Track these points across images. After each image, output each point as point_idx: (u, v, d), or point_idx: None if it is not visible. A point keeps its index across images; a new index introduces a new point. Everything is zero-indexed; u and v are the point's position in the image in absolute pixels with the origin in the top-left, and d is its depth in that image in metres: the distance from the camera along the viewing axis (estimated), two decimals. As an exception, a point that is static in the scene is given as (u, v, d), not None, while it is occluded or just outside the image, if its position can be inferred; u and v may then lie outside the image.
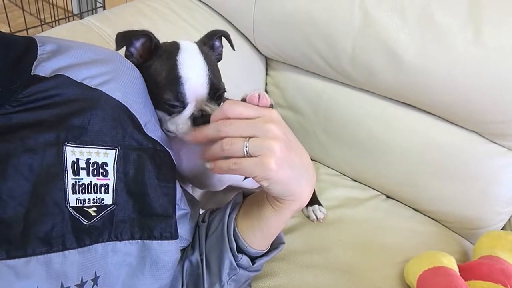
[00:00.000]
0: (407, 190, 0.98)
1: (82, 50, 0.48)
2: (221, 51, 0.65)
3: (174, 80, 0.53)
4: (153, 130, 0.52)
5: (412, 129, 0.94)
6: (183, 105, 0.54)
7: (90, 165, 0.45)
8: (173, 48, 0.56)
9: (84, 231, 0.44)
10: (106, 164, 0.46)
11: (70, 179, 0.43)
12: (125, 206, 0.47)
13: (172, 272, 0.54)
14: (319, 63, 0.95)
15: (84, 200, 0.44)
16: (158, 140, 0.52)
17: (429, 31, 0.83)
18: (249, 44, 1.04)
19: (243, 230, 0.56)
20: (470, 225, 0.94)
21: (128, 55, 0.57)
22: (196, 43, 0.60)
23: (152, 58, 0.56)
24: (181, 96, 0.53)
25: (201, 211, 0.67)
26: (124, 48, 0.57)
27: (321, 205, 0.92)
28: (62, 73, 0.45)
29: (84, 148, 0.44)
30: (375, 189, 1.03)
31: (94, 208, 0.45)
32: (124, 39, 0.55)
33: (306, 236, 0.86)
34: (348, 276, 0.77)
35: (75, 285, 0.42)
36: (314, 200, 0.92)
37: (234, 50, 0.65)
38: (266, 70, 1.09)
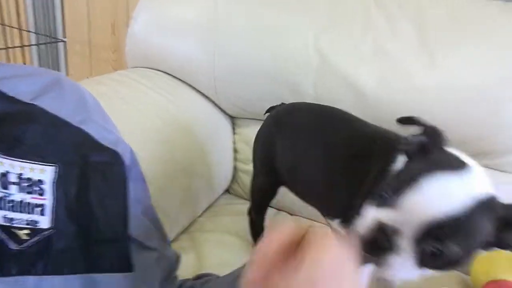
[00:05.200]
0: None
1: (16, 66, 0.44)
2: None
3: (403, 182, 0.46)
4: (104, 137, 0.45)
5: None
6: (383, 203, 0.46)
7: (22, 181, 0.38)
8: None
9: (11, 257, 0.35)
10: (43, 182, 0.39)
11: None
12: (66, 232, 0.40)
13: None
14: (286, 111, 0.95)
15: (13, 219, 0.36)
16: (112, 147, 0.45)
17: (385, 63, 0.86)
18: (213, 106, 1.04)
19: None
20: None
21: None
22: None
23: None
24: (385, 191, 0.46)
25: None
26: None
27: None
28: None
29: (15, 162, 0.38)
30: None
31: (26, 231, 0.37)
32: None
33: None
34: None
35: None
36: None
37: None
38: (233, 129, 1.07)
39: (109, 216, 0.43)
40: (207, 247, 0.83)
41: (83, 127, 0.44)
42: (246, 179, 1.04)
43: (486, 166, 0.84)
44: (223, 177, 1.04)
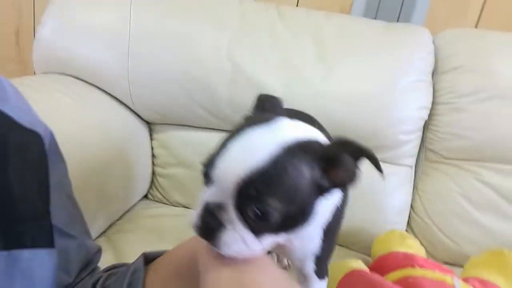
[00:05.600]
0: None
1: None
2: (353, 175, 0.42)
3: (210, 157, 0.42)
4: (23, 118, 0.45)
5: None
6: (206, 184, 0.42)
7: None
8: (245, 123, 0.43)
9: None
10: None
11: None
12: None
13: None
14: (202, 115, 1.00)
15: None
16: (32, 128, 0.45)
17: (290, 71, 0.97)
18: (129, 111, 1.04)
19: None
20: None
21: None
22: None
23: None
24: (205, 170, 0.42)
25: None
26: None
27: None
28: None
29: None
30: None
31: None
32: None
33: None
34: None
35: None
36: None
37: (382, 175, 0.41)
38: (151, 136, 1.09)
39: (30, 195, 0.43)
40: (127, 246, 0.84)
41: (1, 107, 0.44)
42: (165, 184, 1.06)
43: (381, 160, 0.99)
44: (142, 181, 1.05)
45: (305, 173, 0.39)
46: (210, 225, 0.38)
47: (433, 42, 1.05)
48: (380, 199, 1.02)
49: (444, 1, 1.16)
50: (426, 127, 1.05)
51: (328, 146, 0.42)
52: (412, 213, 1.05)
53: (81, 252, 0.51)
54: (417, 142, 1.05)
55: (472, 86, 0.99)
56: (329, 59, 0.98)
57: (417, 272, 0.69)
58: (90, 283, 0.50)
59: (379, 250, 0.83)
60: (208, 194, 0.39)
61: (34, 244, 0.42)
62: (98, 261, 0.56)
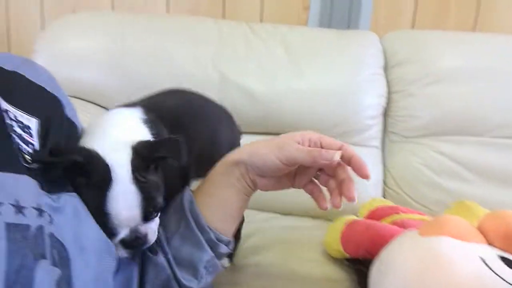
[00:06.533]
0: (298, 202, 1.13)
1: None
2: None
3: (103, 216, 0.48)
4: (72, 115, 0.55)
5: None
6: (115, 234, 0.50)
7: (18, 122, 0.46)
8: (104, 176, 0.48)
9: (28, 168, 0.43)
10: (30, 128, 0.47)
11: (6, 119, 0.44)
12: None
13: None
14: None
15: (19, 144, 0.44)
16: (76, 123, 0.55)
17: (267, 74, 1.12)
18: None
19: (213, 222, 0.57)
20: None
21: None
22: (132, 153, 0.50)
23: (80, 177, 0.48)
24: (111, 230, 0.49)
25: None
26: None
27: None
28: None
29: (10, 106, 0.46)
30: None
31: (28, 158, 0.44)
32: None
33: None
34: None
35: (32, 207, 0.40)
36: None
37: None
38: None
39: None
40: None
41: (55, 94, 0.54)
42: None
43: (353, 144, 1.15)
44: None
45: (143, 172, 0.50)
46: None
47: (380, 43, 1.25)
48: (356, 178, 1.15)
49: (383, 9, 1.38)
50: (385, 114, 1.22)
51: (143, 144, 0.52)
52: (385, 187, 1.20)
53: None
54: (381, 126, 1.22)
55: (417, 75, 1.19)
56: (298, 62, 1.15)
57: (402, 216, 0.82)
58: None
59: (365, 211, 0.96)
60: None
61: None
62: None
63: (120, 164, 0.49)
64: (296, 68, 1.14)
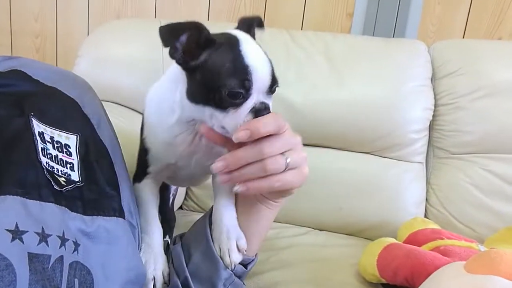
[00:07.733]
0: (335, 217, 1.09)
1: (30, 59, 0.54)
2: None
3: (242, 69, 0.49)
4: (103, 130, 0.55)
5: (316, 165, 1.10)
6: (246, 96, 0.50)
7: (54, 142, 0.47)
8: (232, 40, 0.52)
9: (57, 194, 0.44)
10: (69, 146, 0.48)
11: (39, 143, 0.45)
12: (90, 186, 0.48)
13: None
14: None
15: (53, 167, 0.45)
16: (106, 143, 0.55)
17: (306, 84, 1.09)
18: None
19: None
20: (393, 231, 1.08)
21: (172, 52, 0.51)
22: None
23: (204, 52, 0.51)
24: (248, 84, 0.49)
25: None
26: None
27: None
28: (18, 69, 0.50)
29: (46, 127, 0.47)
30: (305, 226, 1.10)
31: (63, 179, 0.45)
32: (173, 33, 0.50)
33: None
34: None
35: (57, 236, 0.41)
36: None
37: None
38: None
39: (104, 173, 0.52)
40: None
41: (89, 115, 0.54)
42: (199, 193, 1.14)
43: (395, 158, 1.09)
44: (179, 195, 1.12)
45: None
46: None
47: (428, 52, 1.18)
48: (397, 195, 1.11)
49: (432, 16, 1.31)
50: (431, 127, 1.16)
51: None
52: (428, 206, 1.13)
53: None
54: (425, 140, 1.15)
55: (467, 87, 1.11)
56: (340, 72, 1.11)
57: (446, 242, 0.77)
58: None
59: (406, 232, 0.91)
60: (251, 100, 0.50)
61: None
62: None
63: (242, 34, 0.54)
64: (337, 78, 1.10)
